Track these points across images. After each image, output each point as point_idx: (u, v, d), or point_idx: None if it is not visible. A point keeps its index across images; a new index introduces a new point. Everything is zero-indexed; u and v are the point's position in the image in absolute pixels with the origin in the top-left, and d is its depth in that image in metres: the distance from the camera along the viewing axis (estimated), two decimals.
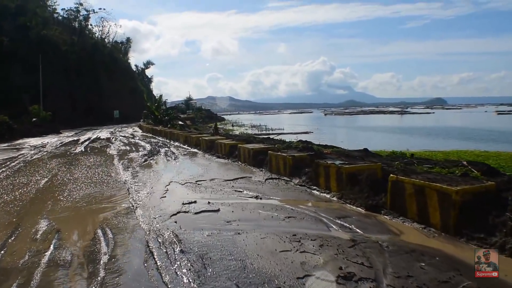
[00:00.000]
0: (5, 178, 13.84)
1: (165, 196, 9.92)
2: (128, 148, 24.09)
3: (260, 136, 27.53)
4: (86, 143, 29.36)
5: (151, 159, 17.60)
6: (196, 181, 11.79)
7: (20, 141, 33.84)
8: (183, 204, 9.00)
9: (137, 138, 32.75)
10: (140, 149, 22.66)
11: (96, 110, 69.67)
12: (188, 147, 22.39)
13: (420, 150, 22.58)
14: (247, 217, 7.86)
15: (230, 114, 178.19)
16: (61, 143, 30.39)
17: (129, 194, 10.38)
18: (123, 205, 9.18)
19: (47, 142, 31.17)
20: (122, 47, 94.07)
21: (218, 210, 8.44)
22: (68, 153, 22.58)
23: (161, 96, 51.95)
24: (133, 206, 9.00)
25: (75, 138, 35.30)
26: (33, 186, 12.11)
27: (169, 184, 11.55)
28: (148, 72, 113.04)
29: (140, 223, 7.66)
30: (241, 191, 10.27)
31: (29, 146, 27.91)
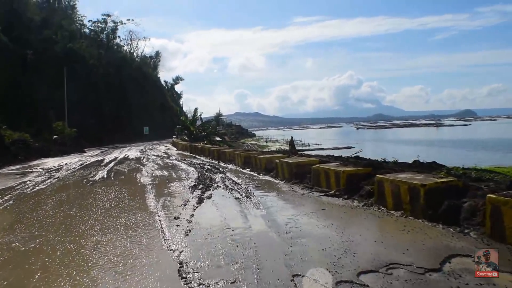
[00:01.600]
0: None
1: None
2: (165, 173, 17.08)
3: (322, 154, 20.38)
4: (111, 165, 22.47)
5: (207, 197, 10.44)
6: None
7: (36, 162, 27.34)
8: None
9: (174, 158, 25.75)
10: (183, 175, 15.61)
11: (124, 127, 63.35)
12: (252, 173, 15.17)
13: (491, 166, 17.93)
14: None
15: (258, 130, 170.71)
16: (82, 164, 23.62)
17: None
18: None
19: (65, 164, 24.51)
20: (151, 62, 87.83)
21: None
22: (84, 181, 15.68)
23: (196, 109, 45.18)
24: None
25: (99, 158, 28.50)
26: None
27: None
28: (177, 89, 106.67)
29: None
30: None
31: (41, 170, 21.22)
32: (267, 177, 13.63)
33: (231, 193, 10.90)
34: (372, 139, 77.14)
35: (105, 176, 16.95)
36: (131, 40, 79.94)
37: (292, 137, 18.48)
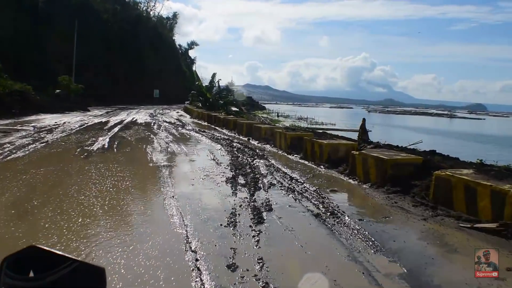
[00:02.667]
0: None
1: None
2: (184, 149, 12.79)
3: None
4: (115, 130, 18.22)
5: (265, 207, 6.17)
6: None
7: (32, 117, 23.32)
8: None
9: (190, 127, 21.42)
10: (208, 156, 11.37)
11: (134, 88, 58.74)
12: (306, 162, 10.82)
13: None
14: None
15: (267, 103, 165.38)
16: (81, 126, 19.45)
17: None
18: None
19: (63, 123, 20.40)
20: (168, 23, 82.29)
21: None
22: (77, 151, 11.49)
23: (214, 75, 40.28)
24: None
25: (103, 120, 24.22)
26: None
27: None
28: (191, 54, 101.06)
29: None
30: None
31: (32, 128, 17.09)
32: (333, 173, 9.27)
33: (298, 200, 6.66)
34: (387, 124, 71.94)
35: (106, 146, 12.69)
36: None
37: (364, 120, 13.32)
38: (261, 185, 7.59)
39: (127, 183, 7.54)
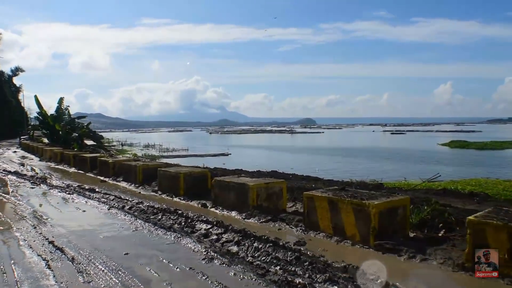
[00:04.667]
0: None
1: None
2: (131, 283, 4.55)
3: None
4: None
5: None
6: None
7: None
8: None
9: (57, 181, 12.35)
10: None
11: None
12: None
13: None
14: None
15: (102, 132, 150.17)
16: None
17: None
18: None
19: None
20: None
21: None
22: None
23: (61, 99, 30.02)
24: None
25: None
26: None
27: None
28: (17, 82, 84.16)
29: None
30: None
31: None
32: None
33: None
34: (242, 146, 66.85)
35: None
36: None
37: None
38: None
39: None
